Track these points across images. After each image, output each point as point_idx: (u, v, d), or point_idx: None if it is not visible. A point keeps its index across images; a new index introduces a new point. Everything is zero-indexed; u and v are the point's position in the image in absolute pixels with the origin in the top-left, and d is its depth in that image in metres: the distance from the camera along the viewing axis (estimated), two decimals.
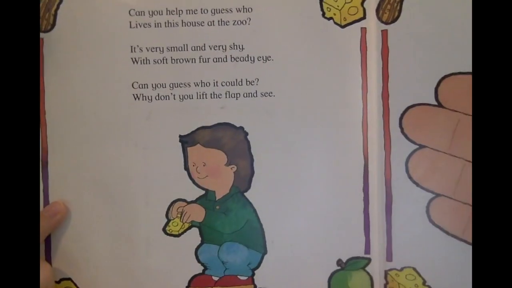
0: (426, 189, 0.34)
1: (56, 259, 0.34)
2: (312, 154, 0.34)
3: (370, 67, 0.34)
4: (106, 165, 0.34)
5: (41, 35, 0.33)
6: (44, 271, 0.32)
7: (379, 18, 0.34)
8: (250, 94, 0.34)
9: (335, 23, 0.34)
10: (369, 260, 0.34)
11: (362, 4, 0.34)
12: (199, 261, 0.34)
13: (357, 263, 0.34)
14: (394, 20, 0.34)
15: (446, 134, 0.33)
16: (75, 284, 0.34)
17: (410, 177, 0.34)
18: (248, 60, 0.34)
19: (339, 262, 0.34)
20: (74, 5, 0.33)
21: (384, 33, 0.34)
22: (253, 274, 0.34)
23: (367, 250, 0.34)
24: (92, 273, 0.34)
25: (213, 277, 0.34)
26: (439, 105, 0.34)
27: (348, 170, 0.34)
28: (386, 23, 0.34)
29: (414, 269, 0.34)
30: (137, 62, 0.33)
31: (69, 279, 0.34)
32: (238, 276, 0.34)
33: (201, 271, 0.34)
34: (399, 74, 0.34)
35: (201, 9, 0.33)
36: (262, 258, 0.34)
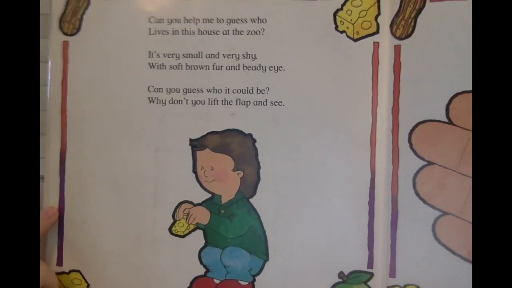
0: (433, 206, 0.33)
1: (67, 252, 0.36)
2: (319, 165, 0.34)
3: (382, 81, 0.34)
4: (118, 164, 0.35)
5: (67, 38, 0.35)
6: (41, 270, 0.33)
7: (393, 33, 0.34)
8: (260, 102, 0.35)
9: (348, 36, 0.34)
10: (371, 274, 0.34)
11: (376, 18, 0.34)
12: (201, 263, 0.35)
13: (359, 277, 0.34)
14: (408, 35, 0.34)
15: (456, 152, 0.33)
16: (83, 276, 0.36)
17: (417, 193, 0.34)
18: (260, 69, 0.34)
19: (340, 274, 0.34)
20: (98, 11, 0.35)
21: (397, 48, 0.34)
22: (254, 280, 0.35)
23: (370, 264, 0.34)
24: (99, 267, 0.36)
25: (215, 280, 0.35)
26: (450, 122, 0.33)
27: (354, 182, 0.34)
28: (400, 38, 0.34)
29: (418, 287, 0.34)
30: (154, 67, 0.35)
31: (78, 271, 0.36)
32: (239, 281, 0.35)
33: (203, 273, 0.35)
34: (411, 90, 0.34)
35: (217, 19, 0.35)
36: (263, 264, 0.35)
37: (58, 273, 0.36)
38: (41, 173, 0.36)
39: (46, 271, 0.34)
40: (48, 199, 0.36)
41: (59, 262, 0.36)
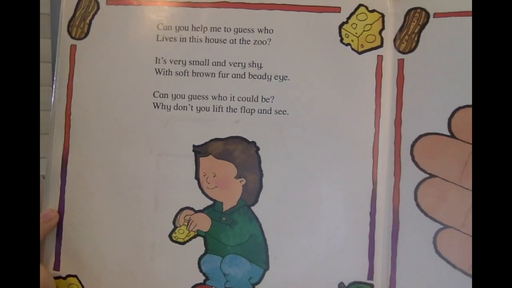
0: (434, 219, 0.33)
1: (65, 256, 0.35)
2: (321, 174, 0.34)
3: (385, 93, 0.35)
4: (120, 168, 0.35)
5: (75, 42, 0.36)
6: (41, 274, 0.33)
7: (396, 48, 0.35)
8: (264, 111, 0.35)
9: (353, 49, 0.35)
10: (371, 286, 0.34)
11: (380, 32, 0.35)
12: (201, 270, 0.35)
13: None
14: (411, 50, 0.35)
15: (457, 165, 0.33)
16: (80, 282, 0.35)
17: (418, 206, 0.34)
18: (265, 78, 0.35)
19: (341, 285, 0.34)
20: (107, 16, 0.36)
21: (401, 62, 0.35)
22: None
23: (370, 276, 0.34)
24: (97, 272, 0.35)
25: None
26: (452, 136, 0.34)
27: (356, 193, 0.34)
28: (403, 52, 0.35)
29: None
30: (160, 73, 0.35)
31: (75, 276, 0.35)
32: None
33: (202, 281, 0.35)
34: (413, 103, 0.34)
35: (225, 28, 0.35)
36: (263, 274, 0.34)
37: (54, 278, 0.35)
38: (42, 173, 0.35)
39: (46, 276, 0.33)
40: (48, 200, 0.35)
41: (56, 267, 0.36)
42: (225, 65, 0.35)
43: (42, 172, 0.35)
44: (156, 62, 0.35)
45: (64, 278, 0.35)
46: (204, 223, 0.35)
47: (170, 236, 0.35)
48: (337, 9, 0.35)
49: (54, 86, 0.36)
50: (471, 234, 0.33)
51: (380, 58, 0.35)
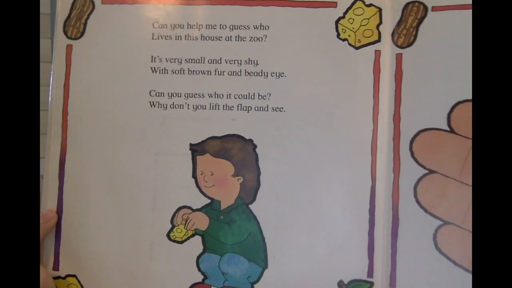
0: (434, 215, 0.33)
1: (64, 256, 0.35)
2: (319, 171, 0.34)
3: (383, 89, 0.34)
4: (118, 167, 0.35)
5: (71, 42, 0.36)
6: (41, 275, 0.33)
7: (394, 42, 0.34)
8: (261, 108, 0.35)
9: (350, 44, 0.34)
10: (371, 284, 0.34)
11: (377, 27, 0.34)
12: (199, 269, 0.34)
13: (359, 286, 0.34)
14: (410, 44, 0.34)
15: (457, 160, 0.33)
16: (79, 281, 0.35)
17: (418, 202, 0.33)
18: (261, 75, 0.35)
19: (340, 283, 0.34)
20: (103, 16, 0.36)
21: (399, 57, 0.34)
22: None
23: (370, 273, 0.34)
24: (96, 272, 0.35)
25: (212, 287, 0.35)
26: (451, 131, 0.33)
27: (355, 190, 0.34)
28: (401, 47, 0.34)
29: None
30: (156, 72, 0.35)
31: (75, 276, 0.35)
32: None
33: (200, 280, 0.34)
34: (412, 98, 0.34)
35: (220, 25, 0.35)
36: (262, 272, 0.34)
37: (54, 278, 0.35)
38: (40, 173, 0.35)
39: (45, 276, 0.33)
40: (47, 201, 0.35)
41: (56, 267, 0.36)
42: (221, 63, 0.35)
43: (40, 172, 0.35)
44: (152, 61, 0.35)
45: (64, 278, 0.35)
46: (202, 222, 0.35)
47: (168, 235, 0.35)
48: (333, 4, 0.35)
49: (50, 86, 0.36)
50: (471, 230, 0.32)
51: (378, 53, 0.34)
